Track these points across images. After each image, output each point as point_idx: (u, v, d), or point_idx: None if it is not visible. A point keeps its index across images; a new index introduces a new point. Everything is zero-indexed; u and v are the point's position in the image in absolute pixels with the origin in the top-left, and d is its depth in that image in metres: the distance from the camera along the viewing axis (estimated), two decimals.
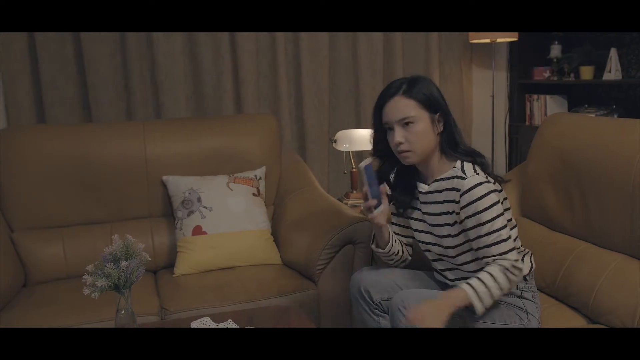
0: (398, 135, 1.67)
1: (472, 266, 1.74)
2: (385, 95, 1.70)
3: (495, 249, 1.62)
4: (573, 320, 1.83)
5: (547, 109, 3.58)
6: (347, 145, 2.93)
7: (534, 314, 1.73)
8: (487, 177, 1.66)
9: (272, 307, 2.00)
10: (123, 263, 1.49)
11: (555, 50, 3.52)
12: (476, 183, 1.62)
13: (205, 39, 3.06)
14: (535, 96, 3.67)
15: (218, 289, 2.15)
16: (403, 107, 1.66)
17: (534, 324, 1.73)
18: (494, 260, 1.62)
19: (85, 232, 2.40)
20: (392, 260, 1.89)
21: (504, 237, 1.62)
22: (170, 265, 2.39)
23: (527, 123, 3.71)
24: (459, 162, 1.69)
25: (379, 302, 1.82)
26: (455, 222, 1.69)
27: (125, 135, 2.49)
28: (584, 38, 3.46)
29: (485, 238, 1.62)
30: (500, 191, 1.68)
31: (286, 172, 2.73)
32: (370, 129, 1.80)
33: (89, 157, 2.40)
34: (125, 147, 2.46)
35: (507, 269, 1.59)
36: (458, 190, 1.64)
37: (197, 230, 2.35)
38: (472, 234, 1.66)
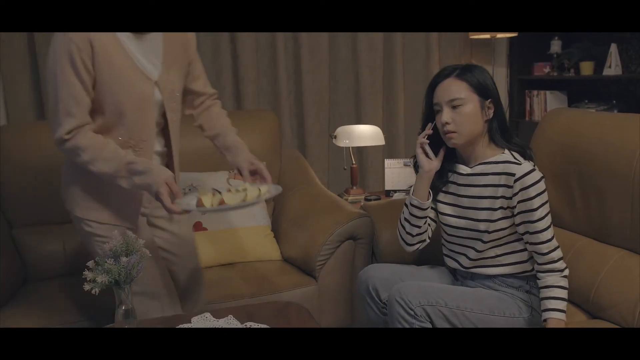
0: (445, 116, 1.69)
1: (494, 252, 1.75)
2: (439, 77, 1.74)
3: (545, 244, 1.66)
4: (574, 316, 1.83)
5: (547, 104, 3.58)
6: (347, 141, 2.93)
7: (539, 310, 1.73)
8: (534, 165, 1.68)
9: (273, 302, 2.00)
10: (123, 259, 1.49)
11: (555, 46, 3.52)
12: (530, 169, 1.64)
13: (205, 36, 3.05)
14: (535, 92, 3.67)
15: (218, 284, 2.16)
16: (454, 88, 1.69)
17: (537, 319, 1.73)
18: (551, 265, 1.66)
19: None
20: (420, 227, 1.84)
21: (550, 222, 1.67)
22: None
23: (527, 119, 3.72)
24: (507, 150, 1.71)
25: (387, 301, 1.81)
26: (500, 207, 1.69)
27: None
28: (584, 34, 3.46)
29: (537, 224, 1.65)
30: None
31: (286, 168, 2.73)
32: (423, 112, 1.82)
33: None
34: None
35: (566, 277, 1.67)
36: (512, 175, 1.65)
37: (198, 227, 2.35)
38: (520, 218, 1.68)
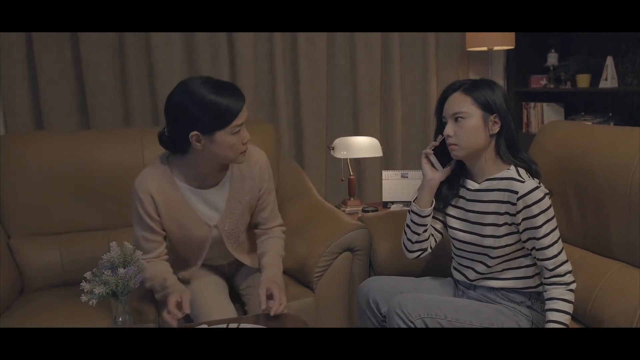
0: (448, 129, 1.72)
1: (502, 267, 1.76)
2: (448, 90, 1.77)
3: (552, 260, 1.66)
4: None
5: (544, 116, 3.60)
6: (345, 153, 2.94)
7: (540, 326, 1.73)
8: (539, 182, 1.68)
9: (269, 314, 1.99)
10: (121, 270, 1.49)
11: (552, 59, 3.54)
12: (533, 187, 1.65)
13: (204, 45, 3.06)
14: (532, 104, 3.68)
15: None
16: (458, 102, 1.71)
17: None
18: (558, 278, 1.66)
19: (83, 239, 2.39)
20: (419, 234, 1.86)
21: (557, 238, 1.67)
22: None
23: (523, 131, 3.73)
24: (513, 166, 1.72)
25: (386, 314, 1.81)
26: (505, 224, 1.70)
27: (124, 141, 2.48)
28: (580, 46, 3.48)
29: (542, 240, 1.65)
30: (550, 197, 1.70)
31: (284, 179, 2.73)
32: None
33: (87, 163, 2.40)
34: (123, 154, 2.45)
35: (572, 290, 1.66)
36: (515, 192, 1.66)
37: None
38: (526, 235, 1.68)
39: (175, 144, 1.78)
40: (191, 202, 1.87)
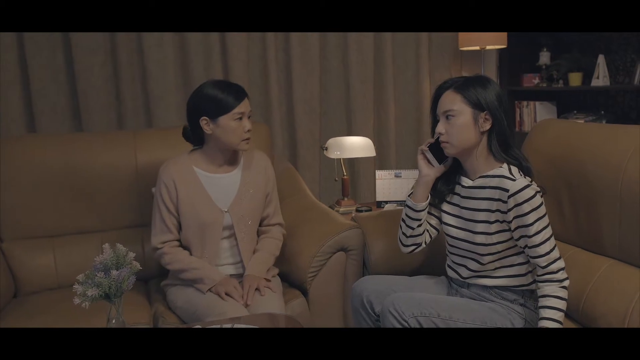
0: (439, 127, 1.75)
1: (494, 265, 1.77)
2: (440, 89, 1.78)
3: (544, 258, 1.66)
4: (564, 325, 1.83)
5: (537, 115, 3.61)
6: (338, 153, 2.94)
7: (533, 324, 1.74)
8: (531, 181, 1.69)
9: (263, 315, 1.99)
10: (114, 272, 1.49)
11: (544, 57, 3.56)
12: (524, 185, 1.65)
13: (197, 47, 3.06)
14: (524, 102, 3.70)
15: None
16: (449, 100, 1.73)
17: None
18: (550, 275, 1.66)
19: (76, 241, 2.39)
20: (414, 229, 1.87)
21: (549, 235, 1.67)
22: (161, 274, 2.38)
23: (516, 129, 3.74)
24: (505, 164, 1.73)
25: (380, 313, 1.81)
26: (496, 221, 1.71)
27: (116, 144, 2.48)
28: (572, 45, 3.50)
29: (533, 238, 1.66)
30: (542, 195, 1.70)
31: (277, 179, 2.72)
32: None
33: (80, 166, 2.39)
34: (116, 157, 2.45)
35: (565, 287, 1.67)
36: (505, 190, 1.67)
37: None
38: (518, 233, 1.69)
39: (194, 134, 2.11)
40: (207, 186, 2.11)
